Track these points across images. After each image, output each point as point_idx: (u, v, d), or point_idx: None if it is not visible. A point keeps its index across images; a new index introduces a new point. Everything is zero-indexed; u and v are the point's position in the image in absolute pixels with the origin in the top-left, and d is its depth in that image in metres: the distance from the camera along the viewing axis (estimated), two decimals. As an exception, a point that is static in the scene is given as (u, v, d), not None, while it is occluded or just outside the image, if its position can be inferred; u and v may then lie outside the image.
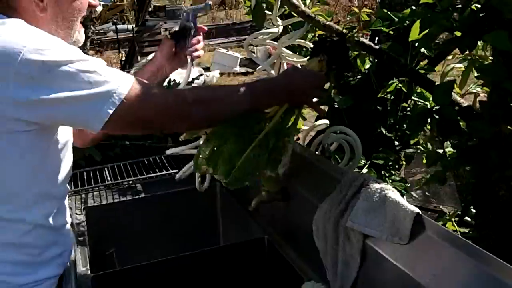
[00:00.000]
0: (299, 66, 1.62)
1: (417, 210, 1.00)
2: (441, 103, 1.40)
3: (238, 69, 10.00)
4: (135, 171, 2.09)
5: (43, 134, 1.10)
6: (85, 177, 2.04)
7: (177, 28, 1.51)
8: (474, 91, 2.59)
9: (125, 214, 1.87)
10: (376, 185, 1.11)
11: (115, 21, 14.67)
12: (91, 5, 1.23)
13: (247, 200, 1.77)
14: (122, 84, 1.05)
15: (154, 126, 1.16)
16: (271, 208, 1.51)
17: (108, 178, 2.03)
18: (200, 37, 1.50)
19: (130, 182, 2.00)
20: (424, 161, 1.53)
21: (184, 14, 1.52)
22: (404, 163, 2.56)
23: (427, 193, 4.21)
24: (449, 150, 1.68)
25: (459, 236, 1.56)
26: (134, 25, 12.48)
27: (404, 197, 2.58)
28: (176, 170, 2.02)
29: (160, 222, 1.91)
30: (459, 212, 2.02)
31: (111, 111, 1.03)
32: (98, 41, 13.31)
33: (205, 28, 1.53)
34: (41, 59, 1.00)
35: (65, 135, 1.19)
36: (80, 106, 1.04)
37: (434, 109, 1.45)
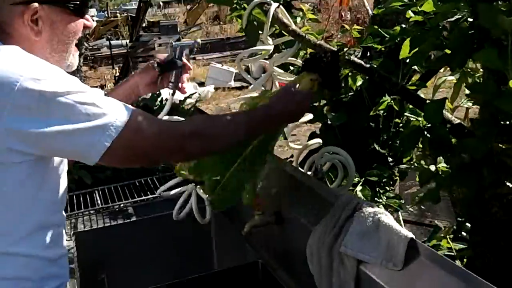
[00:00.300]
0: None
1: (410, 235, 0.98)
2: (433, 122, 1.39)
3: (233, 83, 10.02)
4: (126, 193, 2.06)
5: (39, 163, 1.08)
6: (75, 201, 2.01)
7: (160, 57, 1.50)
8: (465, 106, 2.59)
9: (116, 238, 1.84)
10: (369, 209, 1.09)
11: (109, 36, 14.74)
12: (86, 26, 1.22)
13: (241, 222, 1.75)
14: (120, 116, 1.04)
15: (150, 158, 1.15)
16: (265, 231, 1.49)
17: (99, 202, 2.00)
18: (187, 75, 1.51)
19: (121, 205, 1.97)
20: (418, 179, 1.52)
21: (172, 48, 1.52)
22: (398, 178, 2.55)
23: (422, 207, 4.19)
24: (443, 165, 1.67)
25: (454, 259, 1.56)
26: (128, 41, 12.52)
27: (400, 212, 2.57)
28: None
29: (153, 246, 1.88)
30: (455, 227, 2.00)
31: (108, 144, 1.02)
32: (92, 57, 13.33)
33: (191, 67, 1.55)
34: (39, 89, 0.98)
35: (60, 159, 1.17)
36: (77, 139, 1.02)
37: (425, 127, 1.44)
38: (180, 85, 1.48)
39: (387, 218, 1.06)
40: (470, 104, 2.61)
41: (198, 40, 1.60)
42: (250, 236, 1.55)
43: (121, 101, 1.49)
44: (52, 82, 1.00)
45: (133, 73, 1.55)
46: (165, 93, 2.22)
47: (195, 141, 1.13)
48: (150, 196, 2.03)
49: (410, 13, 1.64)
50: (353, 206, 1.13)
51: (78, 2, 1.16)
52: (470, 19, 1.40)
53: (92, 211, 1.95)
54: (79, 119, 1.01)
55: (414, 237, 0.98)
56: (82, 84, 1.06)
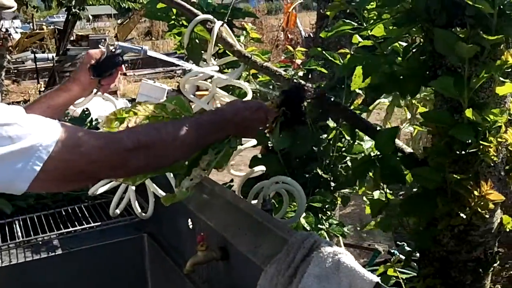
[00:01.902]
0: None
1: (376, 279, 0.90)
2: (384, 151, 1.33)
3: (165, 101, 9.80)
4: (51, 224, 1.85)
5: None
6: (-10, 233, 1.78)
7: (94, 56, 1.39)
8: (407, 130, 2.61)
9: (39, 274, 1.65)
10: (328, 249, 1.00)
11: (34, 49, 14.09)
12: None
13: (180, 255, 1.62)
14: (48, 134, 0.90)
15: (88, 177, 1.01)
16: (208, 267, 1.37)
17: (19, 234, 1.78)
18: (117, 76, 1.44)
19: (45, 237, 1.77)
20: (368, 211, 1.45)
21: (113, 49, 1.40)
22: (339, 202, 2.51)
23: (358, 228, 4.20)
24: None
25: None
26: (54, 54, 12.04)
27: (341, 238, 2.52)
28: (99, 223, 1.83)
29: (80, 283, 1.70)
30: (401, 256, 1.97)
31: (38, 168, 0.87)
32: (15, 71, 12.70)
33: (124, 69, 1.47)
34: None
35: None
36: (0, 167, 0.87)
37: (376, 156, 1.38)
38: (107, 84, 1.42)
39: (348, 258, 0.97)
40: (411, 128, 2.64)
41: (146, 47, 1.46)
42: (191, 271, 1.42)
43: (56, 111, 1.37)
44: None
45: (67, 80, 1.43)
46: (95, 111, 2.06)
47: (141, 155, 1.01)
48: (78, 228, 1.83)
49: (357, 38, 1.59)
50: (310, 245, 1.03)
51: None
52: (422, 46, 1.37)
53: (11, 245, 1.73)
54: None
55: (379, 281, 0.90)
56: None
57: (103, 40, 1.45)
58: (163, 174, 1.40)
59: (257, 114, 1.20)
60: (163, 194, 1.55)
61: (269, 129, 1.29)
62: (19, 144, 0.87)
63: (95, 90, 1.43)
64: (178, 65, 1.64)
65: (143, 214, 1.72)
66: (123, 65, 1.44)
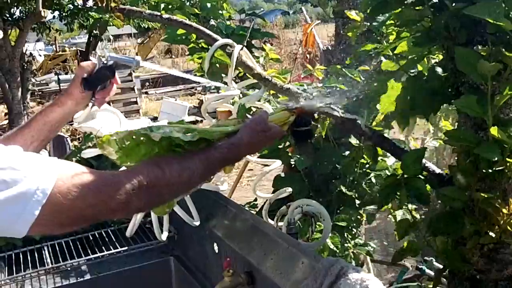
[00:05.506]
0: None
1: (405, 307, 0.88)
2: (411, 173, 1.32)
3: (187, 117, 9.90)
4: (79, 249, 1.87)
5: None
6: (21, 260, 1.81)
7: (87, 68, 1.36)
8: (431, 144, 2.58)
9: (68, 300, 1.67)
10: (356, 275, 0.99)
11: (58, 71, 14.35)
12: None
13: (207, 278, 1.62)
14: (45, 177, 0.88)
15: (89, 220, 0.97)
16: (235, 291, 1.36)
17: (48, 260, 1.81)
18: (114, 89, 1.41)
19: (74, 263, 1.79)
20: (396, 233, 1.43)
21: (104, 60, 1.37)
22: (364, 219, 2.49)
23: (385, 243, 4.15)
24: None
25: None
26: (77, 76, 12.19)
27: (368, 258, 2.48)
28: (126, 247, 1.85)
29: (109, 307, 1.71)
30: (431, 272, 1.94)
31: (37, 212, 0.86)
32: (40, 92, 12.92)
33: (119, 82, 1.43)
34: None
35: None
36: None
37: (402, 177, 1.36)
38: (102, 98, 1.39)
39: (376, 285, 0.96)
40: (435, 142, 2.61)
41: (138, 57, 1.41)
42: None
43: (53, 127, 1.34)
44: None
45: (61, 94, 1.39)
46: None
47: (142, 196, 0.97)
48: (105, 252, 1.85)
49: (386, 65, 1.57)
50: (337, 271, 1.03)
51: None
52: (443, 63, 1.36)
53: (41, 271, 1.75)
54: None
55: (409, 308, 0.88)
56: None
57: (92, 53, 1.44)
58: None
59: (273, 138, 1.19)
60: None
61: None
62: (15, 188, 0.85)
63: (90, 104, 1.39)
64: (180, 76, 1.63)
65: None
66: (117, 77, 1.40)
